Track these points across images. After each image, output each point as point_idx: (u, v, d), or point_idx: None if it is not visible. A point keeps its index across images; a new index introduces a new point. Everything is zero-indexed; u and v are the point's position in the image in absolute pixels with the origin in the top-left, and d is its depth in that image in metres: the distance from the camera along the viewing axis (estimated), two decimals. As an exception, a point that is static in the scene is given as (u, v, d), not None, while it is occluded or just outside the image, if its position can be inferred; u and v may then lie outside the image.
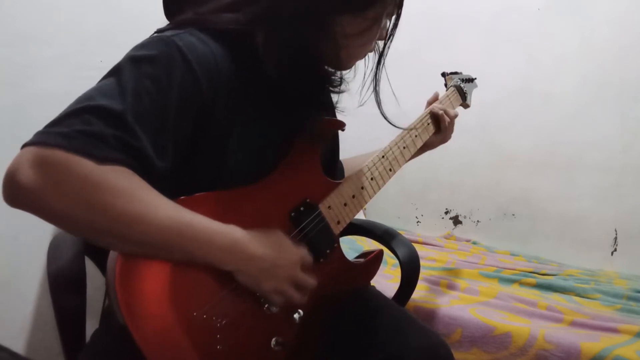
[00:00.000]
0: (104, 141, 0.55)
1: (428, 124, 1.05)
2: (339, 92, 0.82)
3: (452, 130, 1.11)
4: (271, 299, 0.70)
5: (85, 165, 0.53)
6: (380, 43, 0.81)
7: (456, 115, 1.12)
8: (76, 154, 0.53)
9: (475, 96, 1.25)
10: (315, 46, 0.72)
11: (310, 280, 0.74)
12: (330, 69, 0.80)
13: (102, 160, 0.54)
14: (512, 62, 2.18)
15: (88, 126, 0.55)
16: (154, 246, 0.58)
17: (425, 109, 1.10)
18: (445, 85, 1.22)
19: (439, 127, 1.08)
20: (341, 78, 0.81)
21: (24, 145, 0.54)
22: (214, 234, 0.62)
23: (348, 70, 0.83)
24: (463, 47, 2.22)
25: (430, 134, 1.06)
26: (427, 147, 1.09)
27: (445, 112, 1.08)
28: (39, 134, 0.55)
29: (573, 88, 2.10)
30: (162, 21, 0.75)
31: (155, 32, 0.70)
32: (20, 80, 1.19)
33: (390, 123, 0.85)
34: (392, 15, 0.78)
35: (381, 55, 0.81)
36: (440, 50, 2.23)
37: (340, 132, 0.88)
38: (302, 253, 0.73)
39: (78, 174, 0.53)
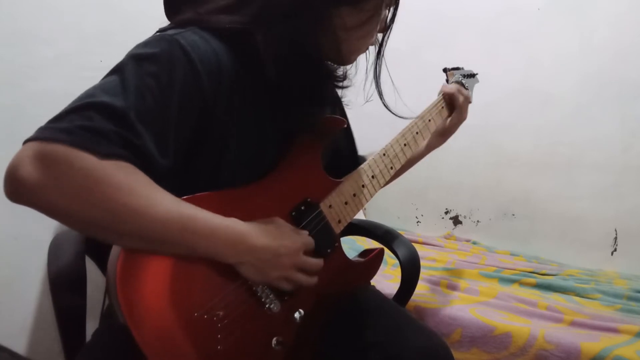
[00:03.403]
0: (105, 137, 0.54)
1: (429, 120, 1.05)
2: (342, 87, 0.82)
3: (467, 109, 1.12)
4: (281, 286, 0.71)
5: (87, 160, 0.53)
6: (380, 36, 0.80)
7: (469, 97, 1.14)
8: (77, 148, 0.53)
9: (475, 96, 1.25)
10: (314, 41, 0.71)
11: (315, 262, 0.75)
12: (331, 65, 0.79)
13: (103, 155, 0.54)
14: (512, 62, 2.17)
15: (89, 122, 0.54)
16: (157, 240, 0.58)
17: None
18: (447, 81, 1.22)
19: (449, 113, 1.10)
20: (344, 73, 0.81)
21: (26, 141, 0.54)
22: (216, 228, 0.62)
23: (350, 66, 0.82)
24: (463, 47, 2.22)
25: (432, 130, 1.06)
26: (448, 131, 1.11)
27: (459, 90, 1.10)
28: (40, 129, 0.54)
29: (573, 88, 2.09)
30: (162, 21, 0.75)
31: (157, 32, 0.70)
32: (20, 80, 1.19)
33: (393, 113, 0.86)
34: (391, 5, 0.78)
35: (380, 46, 0.80)
36: (440, 50, 2.23)
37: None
38: (303, 239, 0.74)
39: (79, 168, 0.52)
